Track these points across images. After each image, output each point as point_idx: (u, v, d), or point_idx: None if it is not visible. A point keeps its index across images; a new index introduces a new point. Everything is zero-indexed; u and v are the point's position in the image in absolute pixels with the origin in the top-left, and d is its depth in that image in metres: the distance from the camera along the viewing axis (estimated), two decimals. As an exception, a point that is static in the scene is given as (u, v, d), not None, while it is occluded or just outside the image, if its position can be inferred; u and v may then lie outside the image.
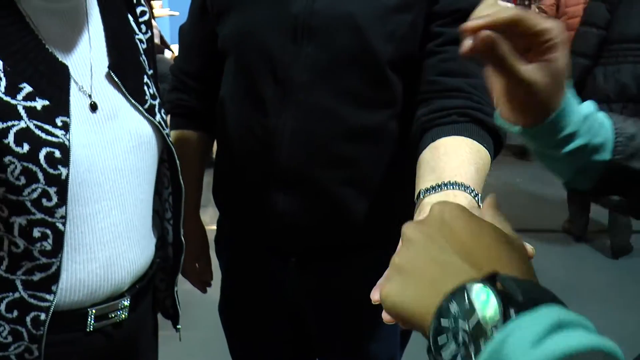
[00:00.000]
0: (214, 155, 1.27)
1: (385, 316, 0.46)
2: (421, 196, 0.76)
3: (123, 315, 0.94)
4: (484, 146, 0.85)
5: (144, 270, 0.98)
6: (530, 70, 0.56)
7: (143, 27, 1.00)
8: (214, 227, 1.30)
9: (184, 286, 1.20)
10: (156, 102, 0.97)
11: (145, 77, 0.96)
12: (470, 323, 0.36)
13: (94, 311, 0.89)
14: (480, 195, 0.75)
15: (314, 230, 1.06)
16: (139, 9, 1.00)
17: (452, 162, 0.79)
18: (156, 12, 4.77)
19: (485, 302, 0.36)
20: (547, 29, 0.55)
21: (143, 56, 0.98)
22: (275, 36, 0.99)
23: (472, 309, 0.37)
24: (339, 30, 0.96)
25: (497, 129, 0.89)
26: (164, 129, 0.96)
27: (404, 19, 0.96)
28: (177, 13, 5.99)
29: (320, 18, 0.96)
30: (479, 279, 0.38)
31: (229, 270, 1.27)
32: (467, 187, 0.74)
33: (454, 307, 0.38)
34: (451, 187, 0.74)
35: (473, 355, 0.36)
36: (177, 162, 1.01)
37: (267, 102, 1.01)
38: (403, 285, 0.43)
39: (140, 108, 0.92)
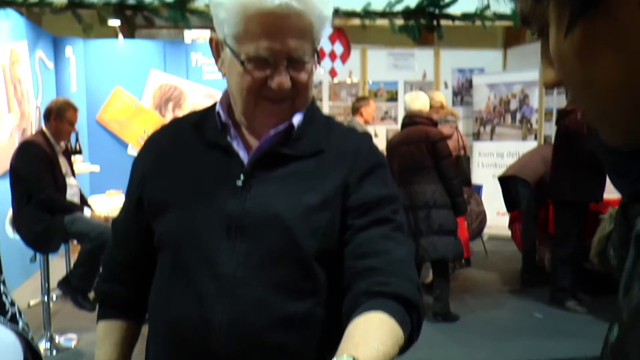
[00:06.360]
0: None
1: None
2: None
3: None
4: (395, 319, 0.97)
5: None
6: None
7: None
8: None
9: None
10: (15, 308, 0.96)
11: (2, 286, 0.95)
12: None
13: None
14: None
15: None
16: None
17: (354, 339, 0.92)
18: (76, 167, 4.81)
19: None
20: None
21: None
22: (212, 234, 1.09)
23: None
24: (268, 228, 1.07)
25: (412, 299, 1.02)
26: (27, 335, 0.95)
27: (324, 216, 1.09)
28: (97, 169, 5.94)
29: (251, 217, 1.08)
30: None
31: None
32: None
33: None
34: None
35: None
36: None
37: (203, 297, 1.07)
38: None
39: (2, 319, 0.91)
